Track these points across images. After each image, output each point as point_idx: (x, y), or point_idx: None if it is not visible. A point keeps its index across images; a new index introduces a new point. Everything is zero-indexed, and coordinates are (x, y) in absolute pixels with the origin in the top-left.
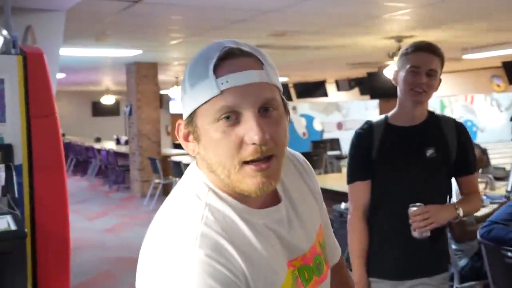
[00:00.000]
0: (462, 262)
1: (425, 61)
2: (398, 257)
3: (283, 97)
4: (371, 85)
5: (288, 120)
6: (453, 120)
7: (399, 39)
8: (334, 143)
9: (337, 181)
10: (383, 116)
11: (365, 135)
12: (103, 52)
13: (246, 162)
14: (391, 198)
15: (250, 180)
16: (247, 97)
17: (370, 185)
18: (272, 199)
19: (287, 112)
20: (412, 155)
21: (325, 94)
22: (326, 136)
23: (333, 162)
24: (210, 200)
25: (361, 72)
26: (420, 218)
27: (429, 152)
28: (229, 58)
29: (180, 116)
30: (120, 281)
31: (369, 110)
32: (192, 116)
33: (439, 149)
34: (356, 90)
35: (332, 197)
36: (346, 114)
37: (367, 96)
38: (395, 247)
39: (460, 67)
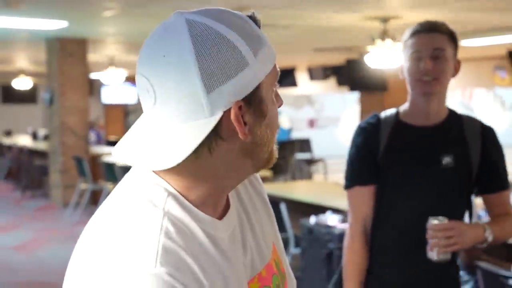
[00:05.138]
0: None
1: (426, 42)
2: (402, 281)
3: None
4: (350, 75)
5: None
6: (480, 123)
7: (384, 19)
8: (305, 144)
9: (307, 190)
10: (393, 110)
11: (371, 131)
12: (15, 23)
13: None
14: (397, 211)
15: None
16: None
17: (373, 192)
18: (225, 205)
19: None
20: (425, 162)
21: (294, 84)
22: (295, 135)
23: (302, 167)
24: (169, 207)
25: (339, 59)
26: (443, 235)
27: (446, 160)
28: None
29: (115, 106)
30: None
31: (348, 105)
32: (255, 90)
33: (458, 157)
34: (332, 80)
35: (300, 209)
36: (319, 109)
37: (346, 88)
38: (399, 270)
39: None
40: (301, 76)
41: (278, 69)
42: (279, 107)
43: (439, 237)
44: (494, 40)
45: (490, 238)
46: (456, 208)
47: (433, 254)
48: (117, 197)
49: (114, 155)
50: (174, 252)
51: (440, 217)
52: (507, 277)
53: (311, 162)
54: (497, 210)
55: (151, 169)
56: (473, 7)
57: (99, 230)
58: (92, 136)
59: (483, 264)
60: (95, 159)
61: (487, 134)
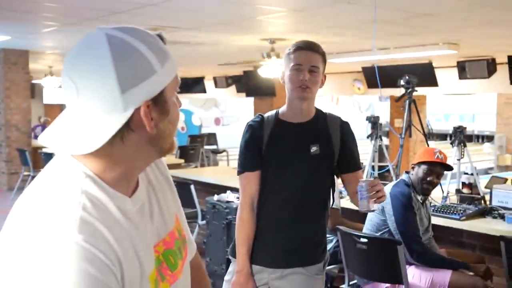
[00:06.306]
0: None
1: (306, 58)
2: (279, 247)
3: None
4: (247, 83)
5: None
6: (339, 119)
7: (272, 41)
8: (211, 138)
9: (212, 174)
10: (274, 111)
11: (257, 127)
12: None
13: None
14: (276, 190)
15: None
16: None
17: (259, 176)
18: (136, 184)
19: None
20: (298, 150)
21: (204, 90)
22: (204, 130)
23: (209, 156)
24: (86, 187)
25: (238, 71)
26: (378, 188)
27: (313, 148)
28: None
29: (55, 106)
30: None
31: (246, 107)
32: (161, 93)
33: (322, 146)
34: (233, 88)
35: (206, 189)
36: (224, 110)
37: (243, 94)
38: (278, 237)
39: (327, 70)
40: (209, 84)
41: (179, 78)
42: (179, 107)
43: (375, 190)
44: (353, 59)
45: None
46: (322, 186)
47: (367, 206)
48: (42, 179)
49: (40, 141)
50: (90, 223)
51: (369, 178)
52: (358, 236)
53: (216, 152)
54: (354, 187)
55: (72, 154)
56: (338, 34)
57: (26, 206)
58: (40, 131)
59: (341, 227)
60: (36, 150)
61: (344, 127)
